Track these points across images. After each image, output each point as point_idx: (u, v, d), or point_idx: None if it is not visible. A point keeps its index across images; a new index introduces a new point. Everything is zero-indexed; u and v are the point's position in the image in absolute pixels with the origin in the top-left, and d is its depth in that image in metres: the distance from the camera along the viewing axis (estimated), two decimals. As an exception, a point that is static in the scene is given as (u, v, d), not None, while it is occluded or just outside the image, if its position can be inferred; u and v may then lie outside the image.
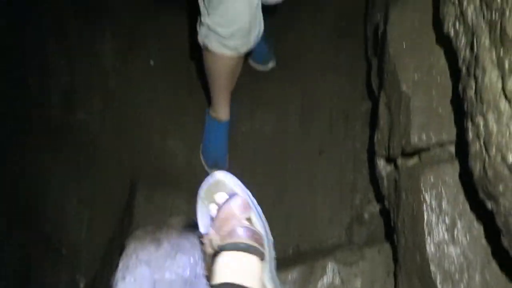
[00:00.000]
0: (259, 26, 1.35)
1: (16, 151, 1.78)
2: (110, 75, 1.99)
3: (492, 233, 0.91)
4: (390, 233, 1.27)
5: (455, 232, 1.00)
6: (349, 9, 2.06)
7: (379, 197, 1.47)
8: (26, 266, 1.59)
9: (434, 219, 1.03)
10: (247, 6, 1.25)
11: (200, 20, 1.33)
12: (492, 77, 0.79)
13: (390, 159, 1.32)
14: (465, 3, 0.91)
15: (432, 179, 1.05)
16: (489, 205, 0.84)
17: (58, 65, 1.96)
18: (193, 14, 1.38)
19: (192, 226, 1.44)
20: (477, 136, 0.84)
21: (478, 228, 0.99)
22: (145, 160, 1.79)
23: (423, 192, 1.05)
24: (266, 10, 1.57)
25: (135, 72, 2.00)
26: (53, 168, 1.76)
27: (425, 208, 1.05)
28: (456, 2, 0.96)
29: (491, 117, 0.79)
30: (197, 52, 1.59)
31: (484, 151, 0.82)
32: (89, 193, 1.74)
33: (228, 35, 1.30)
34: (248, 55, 1.83)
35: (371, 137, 1.56)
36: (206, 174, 1.73)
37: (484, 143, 0.81)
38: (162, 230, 1.41)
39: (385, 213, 1.41)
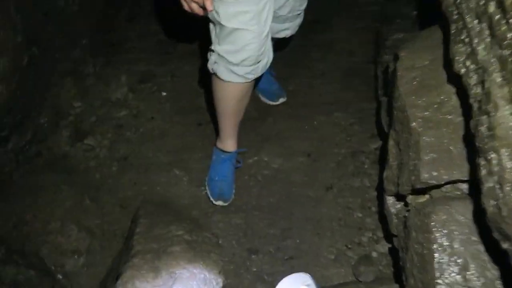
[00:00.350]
0: (268, 55, 1.37)
1: (21, 172, 1.79)
2: (121, 105, 2.03)
3: (508, 276, 0.87)
4: (399, 273, 1.21)
5: (468, 274, 0.95)
6: (359, 48, 2.11)
7: (388, 236, 1.42)
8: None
9: (445, 259, 0.99)
10: (256, 35, 1.27)
11: (211, 48, 1.36)
12: (504, 112, 0.78)
13: (399, 196, 1.29)
14: (475, 41, 0.92)
15: (443, 218, 1.02)
16: (504, 245, 0.80)
17: (69, 94, 2.00)
18: (205, 49, 1.41)
19: (191, 256, 1.40)
20: (490, 172, 0.82)
21: (492, 270, 0.94)
22: (150, 188, 1.78)
23: (434, 231, 1.02)
24: (277, 43, 1.61)
25: (146, 103, 2.04)
26: (56, 192, 1.75)
27: (435, 248, 1.01)
28: (467, 40, 0.97)
29: (504, 153, 0.77)
30: (207, 87, 1.61)
31: (497, 188, 0.79)
32: (92, 220, 1.72)
33: (237, 62, 1.32)
34: (256, 86, 1.85)
35: (380, 174, 1.54)
36: (211, 205, 1.72)
37: (497, 179, 0.79)
38: (161, 258, 1.37)
39: (394, 252, 1.36)
